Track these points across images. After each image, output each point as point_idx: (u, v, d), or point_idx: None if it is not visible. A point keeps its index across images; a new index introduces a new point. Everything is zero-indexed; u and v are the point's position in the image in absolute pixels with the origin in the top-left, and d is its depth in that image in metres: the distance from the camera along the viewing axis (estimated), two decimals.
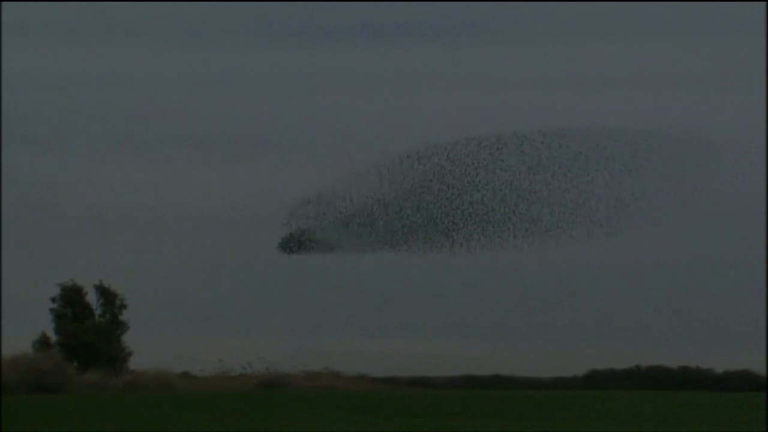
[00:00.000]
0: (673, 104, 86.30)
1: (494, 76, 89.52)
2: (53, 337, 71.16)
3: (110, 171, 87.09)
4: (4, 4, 76.01)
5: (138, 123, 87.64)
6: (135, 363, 71.97)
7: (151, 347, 72.27)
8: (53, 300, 72.03)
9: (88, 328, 70.81)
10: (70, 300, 72.09)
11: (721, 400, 56.47)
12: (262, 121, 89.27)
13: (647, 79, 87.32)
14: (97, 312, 72.78)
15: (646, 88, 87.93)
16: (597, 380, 78.98)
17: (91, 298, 72.67)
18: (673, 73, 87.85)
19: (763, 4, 71.11)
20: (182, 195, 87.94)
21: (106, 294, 72.84)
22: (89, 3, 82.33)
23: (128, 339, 72.56)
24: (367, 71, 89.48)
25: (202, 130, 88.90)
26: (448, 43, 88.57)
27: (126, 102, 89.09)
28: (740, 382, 78.15)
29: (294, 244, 22.25)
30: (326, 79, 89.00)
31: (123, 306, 72.67)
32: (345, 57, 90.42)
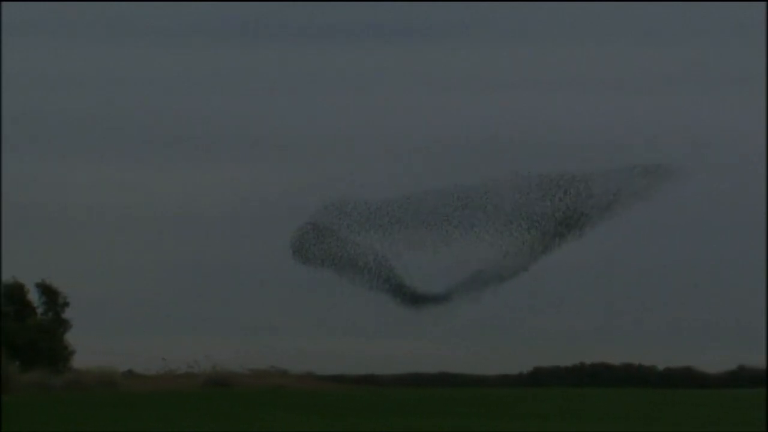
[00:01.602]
0: (673, 104, 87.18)
1: (494, 76, 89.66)
2: None
3: (58, 169, 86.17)
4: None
5: (85, 122, 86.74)
6: (78, 362, 71.25)
7: (94, 346, 71.56)
8: None
9: (29, 326, 69.89)
10: (12, 298, 71.09)
11: (664, 396, 57.19)
12: (225, 119, 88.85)
13: (647, 79, 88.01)
14: (39, 310, 71.88)
15: (646, 88, 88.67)
16: (542, 378, 79.65)
17: (33, 296, 71.77)
18: (672, 74, 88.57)
19: (763, 4, 71.88)
20: (129, 194, 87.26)
21: (48, 292, 71.97)
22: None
23: (71, 337, 71.79)
24: (364, 71, 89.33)
25: (154, 130, 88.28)
26: (447, 43, 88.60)
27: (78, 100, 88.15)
28: (682, 379, 79.26)
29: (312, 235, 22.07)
30: (321, 79, 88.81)
31: (65, 304, 71.84)
32: (345, 57, 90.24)
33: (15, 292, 70.57)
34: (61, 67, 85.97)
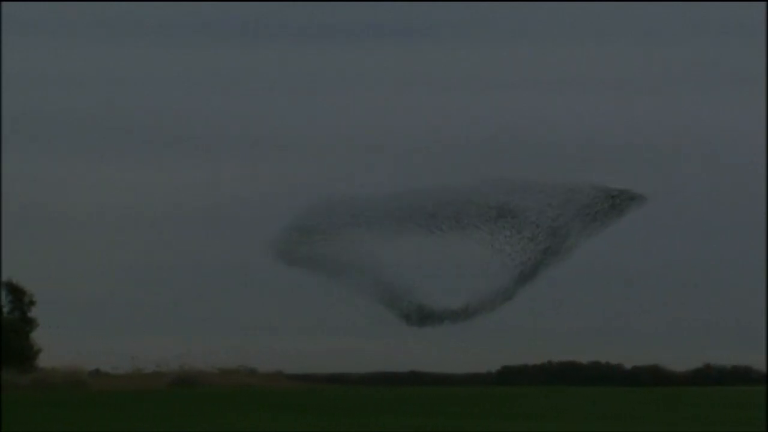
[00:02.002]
0: (673, 105, 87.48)
1: (494, 76, 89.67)
2: None
3: (25, 167, 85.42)
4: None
5: (57, 119, 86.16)
6: (44, 361, 70.72)
7: (61, 345, 71.07)
8: None
9: None
10: None
11: (632, 395, 57.53)
12: (205, 118, 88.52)
13: (647, 79, 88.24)
14: (5, 309, 71.30)
15: (646, 88, 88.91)
16: (509, 376, 79.90)
17: None
18: (672, 74, 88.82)
19: (763, 4, 72.25)
20: (96, 193, 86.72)
21: (14, 291, 71.40)
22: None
23: (37, 336, 71.27)
24: (363, 71, 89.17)
25: (124, 128, 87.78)
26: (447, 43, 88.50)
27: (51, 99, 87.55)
28: (649, 377, 79.82)
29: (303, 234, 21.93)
30: (318, 79, 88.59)
31: (32, 303, 71.30)
32: (343, 56, 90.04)
33: None
34: (41, 62, 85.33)
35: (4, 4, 76.26)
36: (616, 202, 21.00)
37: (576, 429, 34.57)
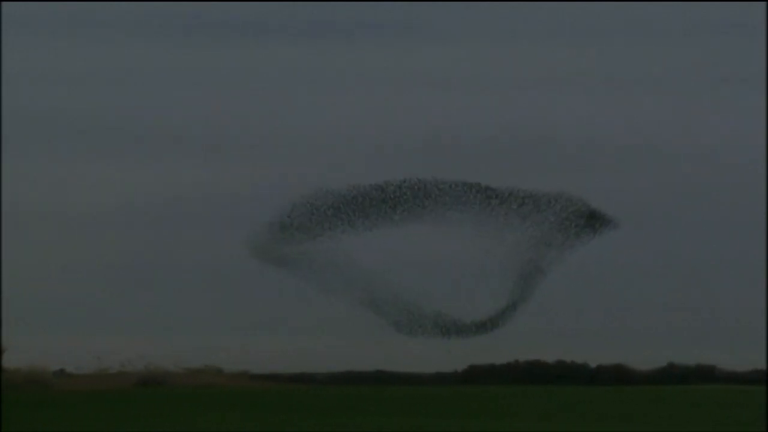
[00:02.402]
0: (673, 104, 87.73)
1: (492, 76, 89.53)
2: None
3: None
4: None
5: (18, 116, 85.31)
6: (8, 361, 70.01)
7: (24, 344, 70.41)
8: None
9: None
10: None
11: (597, 393, 57.84)
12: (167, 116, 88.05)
13: (647, 79, 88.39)
14: None
15: (646, 88, 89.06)
16: (476, 375, 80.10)
17: None
18: (672, 74, 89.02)
19: (763, 4, 72.52)
20: (60, 191, 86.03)
21: None
22: None
23: (1, 336, 70.53)
24: (352, 70, 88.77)
25: (92, 124, 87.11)
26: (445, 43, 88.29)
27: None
28: (612, 376, 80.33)
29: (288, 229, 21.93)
30: (322, 77, 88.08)
31: None
32: (342, 56, 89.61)
33: None
34: None
35: (3, 3, 75.60)
36: (592, 222, 21.28)
37: (542, 427, 34.72)
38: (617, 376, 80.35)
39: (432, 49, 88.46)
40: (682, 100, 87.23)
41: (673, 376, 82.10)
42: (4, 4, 75.65)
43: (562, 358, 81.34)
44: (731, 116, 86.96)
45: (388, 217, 21.66)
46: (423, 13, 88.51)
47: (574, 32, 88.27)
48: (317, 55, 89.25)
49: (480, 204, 21.21)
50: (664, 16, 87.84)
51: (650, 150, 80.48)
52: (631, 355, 76.80)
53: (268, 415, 39.30)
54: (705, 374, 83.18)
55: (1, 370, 67.23)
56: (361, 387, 68.45)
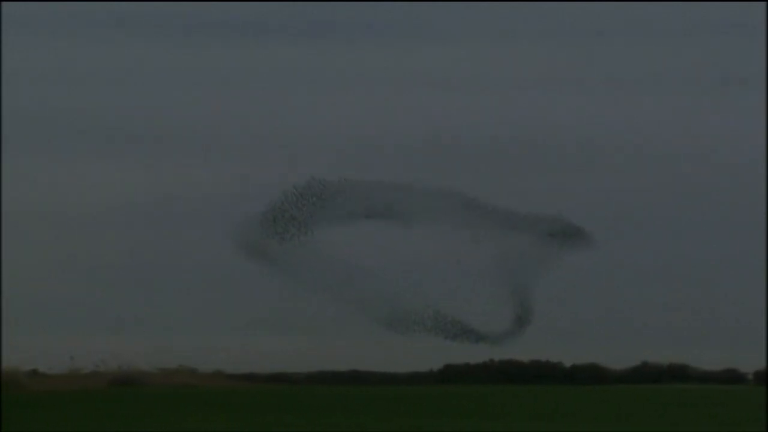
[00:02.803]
0: (673, 104, 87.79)
1: (490, 75, 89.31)
2: None
3: None
4: None
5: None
6: None
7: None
8: None
9: None
10: None
11: (572, 393, 58.01)
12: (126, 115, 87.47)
13: (647, 79, 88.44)
14: None
15: (646, 88, 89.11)
16: (452, 375, 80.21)
17: None
18: (672, 74, 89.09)
19: (763, 4, 72.71)
20: (33, 191, 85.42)
21: None
22: None
23: None
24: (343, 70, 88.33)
25: (91, 124, 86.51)
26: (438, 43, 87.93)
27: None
28: (586, 375, 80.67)
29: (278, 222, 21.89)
30: (324, 78, 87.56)
31: None
32: (341, 56, 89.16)
33: None
34: None
35: (3, 3, 74.91)
36: (569, 239, 21.51)
37: (517, 426, 34.79)
38: (592, 375, 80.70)
39: (432, 49, 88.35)
40: (682, 100, 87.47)
41: (647, 375, 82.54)
42: (4, 4, 75.06)
43: (537, 357, 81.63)
44: (731, 116, 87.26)
45: (367, 215, 21.70)
46: (423, 13, 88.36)
47: (574, 32, 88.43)
48: (317, 55, 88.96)
49: (461, 214, 21.34)
50: (664, 16, 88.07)
51: (650, 150, 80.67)
52: (605, 354, 77.17)
53: (243, 414, 39.16)
54: (677, 373, 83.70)
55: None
56: (337, 387, 68.39)
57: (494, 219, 21.66)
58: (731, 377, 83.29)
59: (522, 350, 78.66)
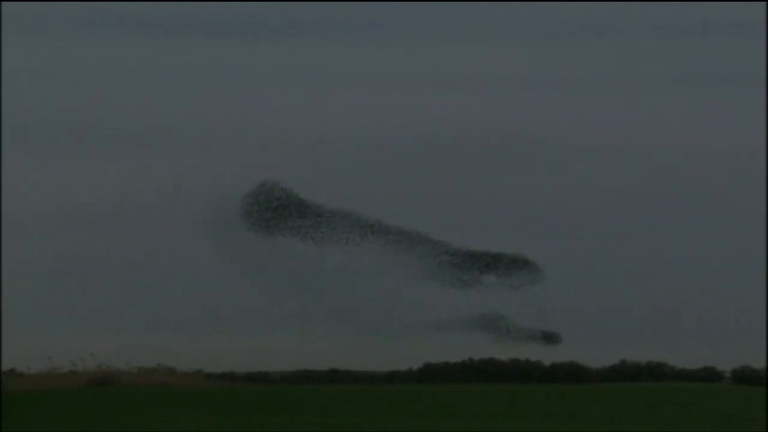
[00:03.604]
0: (673, 105, 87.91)
1: (489, 75, 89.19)
2: None
3: None
4: None
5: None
6: None
7: None
8: None
9: None
10: None
11: (551, 391, 58.15)
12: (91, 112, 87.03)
13: (647, 79, 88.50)
14: None
15: (645, 88, 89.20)
16: (431, 374, 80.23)
17: None
18: (672, 74, 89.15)
19: (763, 4, 72.76)
20: (11, 190, 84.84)
21: None
22: None
23: None
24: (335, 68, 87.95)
25: (90, 124, 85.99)
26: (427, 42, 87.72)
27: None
28: (565, 374, 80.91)
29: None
30: (312, 76, 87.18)
31: None
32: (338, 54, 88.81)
33: None
34: None
35: (3, 3, 74.31)
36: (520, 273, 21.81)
37: (496, 425, 34.81)
38: (570, 373, 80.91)
39: (432, 49, 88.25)
40: (682, 100, 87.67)
41: (625, 373, 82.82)
42: (3, 3, 74.49)
43: (516, 356, 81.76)
44: (731, 116, 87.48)
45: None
46: (423, 13, 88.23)
47: (574, 32, 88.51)
48: (317, 55, 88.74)
49: (358, 234, 21.51)
50: (664, 16, 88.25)
51: (650, 150, 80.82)
52: (584, 353, 77.38)
53: (222, 414, 39.03)
54: (656, 372, 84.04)
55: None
56: (316, 386, 68.31)
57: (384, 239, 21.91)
58: (709, 375, 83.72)
59: (501, 349, 78.69)
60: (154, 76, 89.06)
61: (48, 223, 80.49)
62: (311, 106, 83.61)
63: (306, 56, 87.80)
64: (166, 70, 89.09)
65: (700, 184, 79.36)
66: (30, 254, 77.49)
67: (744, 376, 79.55)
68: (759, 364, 75.69)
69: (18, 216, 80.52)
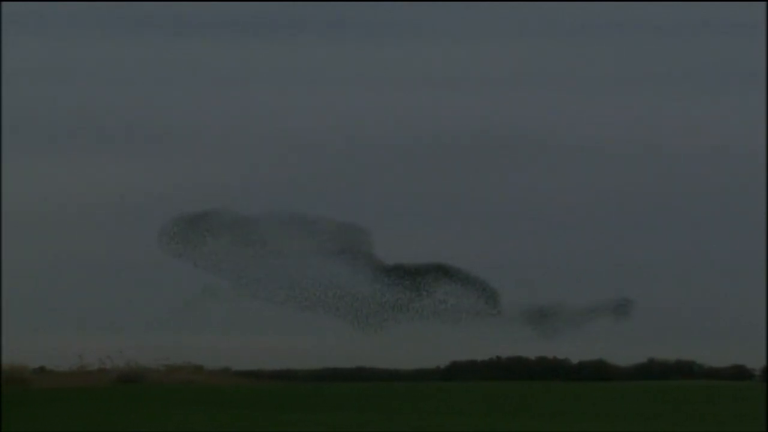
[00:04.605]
0: (672, 104, 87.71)
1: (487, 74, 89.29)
2: None
3: None
4: None
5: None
6: None
7: (5, 343, 69.93)
8: None
9: None
10: None
11: (579, 390, 57.98)
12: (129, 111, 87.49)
13: (646, 78, 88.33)
14: None
15: (645, 88, 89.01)
16: (457, 372, 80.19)
17: None
18: (672, 73, 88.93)
19: (763, 4, 72.43)
20: (41, 185, 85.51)
21: None
22: None
23: None
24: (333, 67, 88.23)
25: (90, 123, 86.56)
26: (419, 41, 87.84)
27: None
28: (592, 372, 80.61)
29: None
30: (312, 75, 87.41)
31: None
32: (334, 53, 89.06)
33: None
34: None
35: (3, 3, 74.94)
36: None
37: (524, 424, 34.73)
38: (598, 371, 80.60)
39: (432, 49, 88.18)
40: (682, 99, 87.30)
41: (653, 371, 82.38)
42: (3, 3, 75.07)
43: (543, 354, 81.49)
44: (731, 116, 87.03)
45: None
46: (423, 12, 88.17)
47: (573, 31, 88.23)
48: (316, 55, 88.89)
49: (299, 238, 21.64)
50: (664, 15, 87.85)
51: (650, 150, 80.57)
52: (612, 351, 77.04)
53: (249, 412, 39.18)
54: (684, 370, 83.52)
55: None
56: (343, 384, 68.44)
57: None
58: (738, 374, 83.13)
59: (528, 347, 78.52)
60: (154, 76, 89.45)
61: (77, 220, 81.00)
62: (311, 106, 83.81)
63: (305, 56, 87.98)
64: (166, 70, 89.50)
65: (700, 183, 78.92)
66: (61, 254, 78.05)
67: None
68: None
69: (46, 216, 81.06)
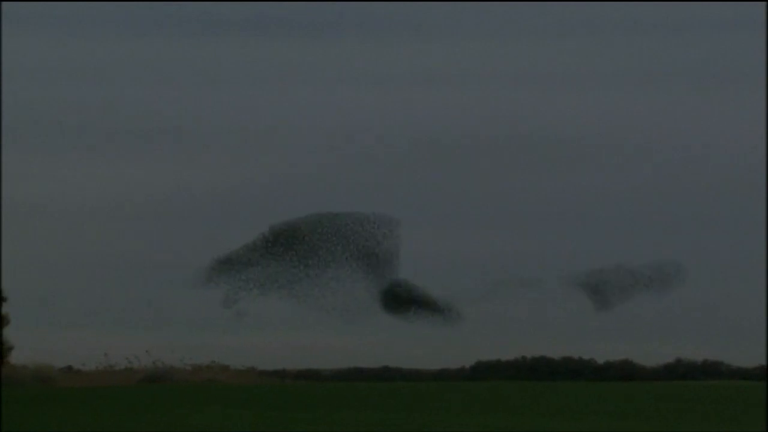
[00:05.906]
0: (672, 104, 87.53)
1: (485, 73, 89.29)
2: None
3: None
4: None
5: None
6: (16, 358, 70.05)
7: (34, 342, 70.43)
8: None
9: None
10: None
11: (604, 390, 57.68)
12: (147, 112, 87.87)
13: (646, 78, 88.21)
14: None
15: (644, 87, 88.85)
16: (483, 371, 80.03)
17: None
18: (671, 73, 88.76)
19: (763, 4, 72.20)
20: (67, 187, 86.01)
21: None
22: None
23: (9, 333, 70.52)
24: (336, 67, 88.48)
25: (90, 122, 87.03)
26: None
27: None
28: (618, 372, 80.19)
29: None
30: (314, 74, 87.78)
31: (3, 299, 70.61)
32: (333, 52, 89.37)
33: None
34: None
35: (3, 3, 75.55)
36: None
37: (549, 424, 34.59)
38: (624, 372, 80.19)
39: (432, 49, 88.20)
40: (681, 99, 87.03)
41: (680, 371, 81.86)
42: (3, 3, 75.61)
43: (568, 354, 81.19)
44: (731, 116, 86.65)
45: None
46: (423, 12, 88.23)
47: (573, 31, 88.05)
48: (316, 55, 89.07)
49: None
50: (663, 15, 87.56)
51: (650, 150, 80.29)
52: (638, 351, 76.62)
53: (275, 411, 39.22)
54: (711, 370, 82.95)
55: (1, 366, 67.18)
56: (368, 383, 68.40)
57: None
58: (766, 373, 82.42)
59: (553, 347, 78.21)
60: (155, 76, 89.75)
61: (104, 220, 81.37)
62: (310, 106, 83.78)
63: (306, 56, 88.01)
64: (166, 70, 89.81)
65: (700, 183, 78.42)
66: (87, 252, 78.42)
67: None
68: None
69: (71, 214, 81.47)
